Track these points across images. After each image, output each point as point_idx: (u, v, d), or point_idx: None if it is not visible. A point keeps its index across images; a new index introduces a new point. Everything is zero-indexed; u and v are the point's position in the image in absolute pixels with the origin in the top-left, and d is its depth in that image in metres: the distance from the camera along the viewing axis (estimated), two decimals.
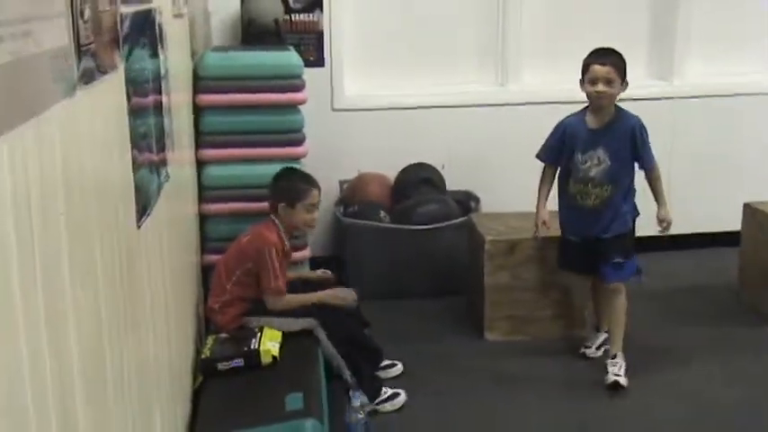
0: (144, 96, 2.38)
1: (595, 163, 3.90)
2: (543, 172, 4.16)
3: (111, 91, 1.95)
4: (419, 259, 4.82)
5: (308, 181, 3.73)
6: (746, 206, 4.82)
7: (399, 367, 3.98)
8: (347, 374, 3.53)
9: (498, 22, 5.39)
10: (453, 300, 4.79)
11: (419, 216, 4.84)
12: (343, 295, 3.71)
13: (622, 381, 3.86)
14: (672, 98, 5.55)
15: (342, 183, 5.19)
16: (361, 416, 3.23)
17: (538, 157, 4.14)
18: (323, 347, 3.53)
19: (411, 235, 4.78)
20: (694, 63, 5.64)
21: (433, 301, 4.77)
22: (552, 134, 4.09)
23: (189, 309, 3.36)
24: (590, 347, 4.21)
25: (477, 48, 5.45)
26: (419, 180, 5.06)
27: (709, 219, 5.60)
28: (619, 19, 5.56)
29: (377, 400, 3.63)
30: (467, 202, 5.17)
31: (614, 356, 3.96)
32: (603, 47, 3.92)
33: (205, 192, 3.91)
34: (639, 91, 5.50)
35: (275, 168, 3.95)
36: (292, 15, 4.97)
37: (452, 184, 5.27)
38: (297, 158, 4.02)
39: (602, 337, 4.22)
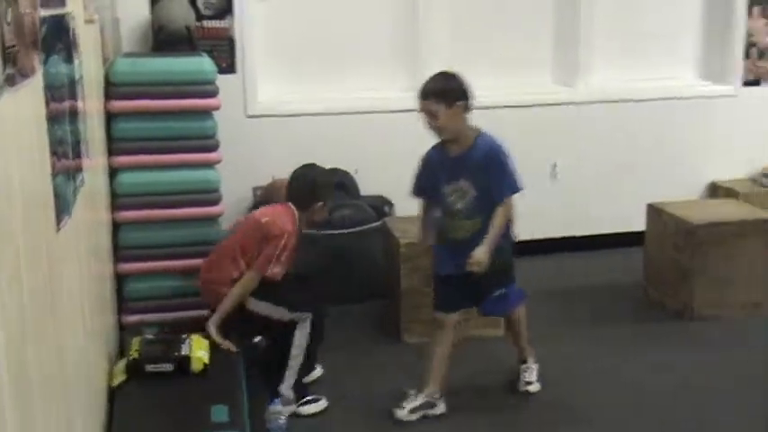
0: (60, 102, 2.34)
1: (459, 195, 3.57)
2: (420, 206, 3.82)
3: (31, 96, 1.92)
4: (334, 264, 4.83)
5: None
6: (650, 207, 5.00)
7: (319, 371, 3.99)
8: (291, 373, 3.60)
9: (409, 28, 5.45)
10: (369, 304, 4.83)
11: (334, 221, 4.86)
12: None
13: (533, 388, 3.86)
14: (577, 103, 5.71)
15: (255, 189, 5.17)
16: (281, 420, 3.25)
17: (411, 191, 3.80)
18: (295, 342, 3.61)
19: (326, 239, 4.78)
20: (598, 70, 5.82)
21: (348, 306, 4.79)
22: (419, 166, 3.74)
23: (105, 313, 3.33)
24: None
25: (389, 53, 5.51)
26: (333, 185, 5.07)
27: (615, 220, 5.78)
28: (525, 25, 5.70)
29: (299, 403, 3.64)
30: (381, 206, 5.21)
31: (524, 361, 3.93)
32: (433, 75, 3.60)
33: (118, 199, 3.84)
34: (546, 97, 5.70)
35: (189, 175, 3.94)
36: (204, 22, 4.94)
37: (366, 189, 5.31)
38: (211, 164, 4.00)
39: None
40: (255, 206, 5.08)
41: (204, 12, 4.94)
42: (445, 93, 3.48)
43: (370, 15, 5.43)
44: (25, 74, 1.78)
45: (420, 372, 3.80)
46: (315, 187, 3.79)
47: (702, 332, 4.51)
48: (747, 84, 5.92)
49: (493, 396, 3.91)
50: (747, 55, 5.88)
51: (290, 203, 3.75)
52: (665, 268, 4.83)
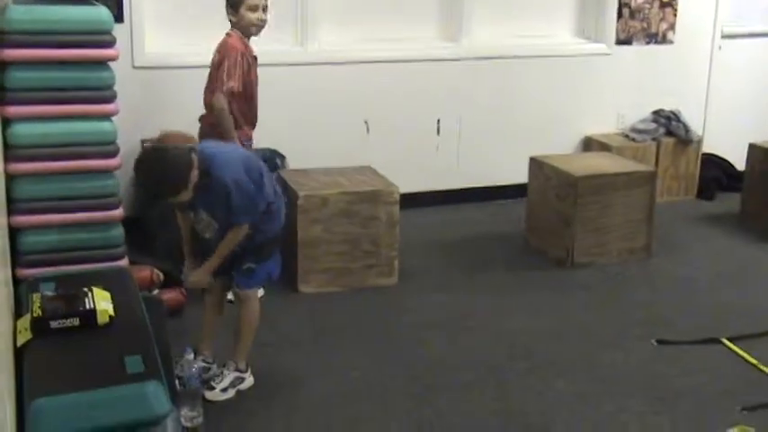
0: None
1: (205, 224, 3.45)
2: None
3: None
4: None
5: None
6: (532, 159, 5.23)
7: None
8: None
9: None
10: None
11: None
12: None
13: (211, 395, 3.49)
14: (460, 59, 5.87)
15: (143, 142, 5.08)
16: (194, 368, 3.28)
17: None
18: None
19: None
20: (481, 27, 5.97)
21: None
22: None
23: (3, 267, 3.24)
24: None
25: (275, 8, 5.46)
26: None
27: (497, 173, 6.00)
28: None
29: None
30: (273, 159, 5.23)
31: (226, 365, 3.59)
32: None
33: (12, 150, 3.72)
34: (431, 52, 5.82)
35: (86, 126, 3.85)
36: None
37: (256, 142, 5.31)
38: (108, 116, 3.90)
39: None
40: None
41: None
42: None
43: None
44: None
45: (315, 323, 3.88)
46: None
47: (580, 277, 4.78)
48: (620, 42, 6.22)
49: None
50: (620, 15, 6.17)
51: (231, 29, 4.28)
52: (546, 218, 5.08)
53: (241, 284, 3.57)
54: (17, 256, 3.85)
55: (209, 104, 4.27)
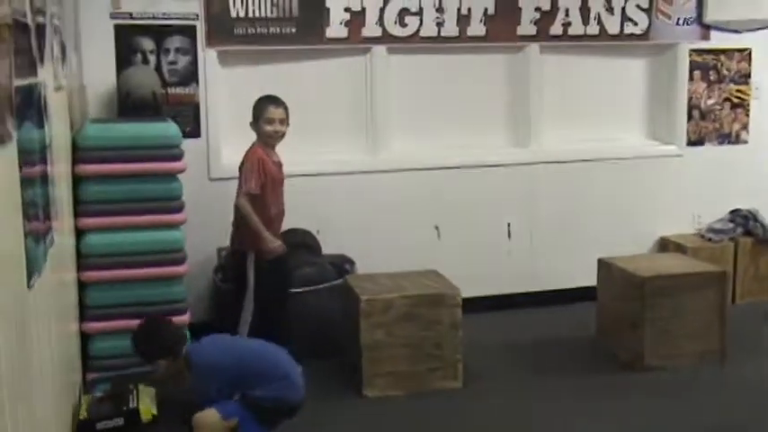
0: (32, 166, 2.48)
1: None
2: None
3: (6, 161, 2.06)
4: (296, 322, 4.92)
5: (268, 99, 4.57)
6: (600, 261, 5.20)
7: None
8: None
9: (367, 95, 5.66)
10: (330, 362, 4.91)
11: (296, 279, 4.98)
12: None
13: None
14: (529, 164, 5.94)
15: (220, 250, 5.29)
16: None
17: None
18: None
19: (290, 297, 4.89)
20: (551, 132, 6.05)
21: (308, 363, 4.87)
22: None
23: (69, 373, 3.41)
24: None
25: (349, 118, 5.70)
26: (295, 245, 5.20)
27: (569, 276, 5.97)
28: (479, 97, 5.93)
29: None
30: (342, 265, 5.35)
31: None
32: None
33: (85, 259, 3.96)
34: (500, 158, 5.92)
35: (155, 235, 4.06)
36: (168, 89, 5.12)
37: (327, 248, 5.46)
38: (176, 225, 4.14)
39: None
40: (220, 266, 5.22)
41: (170, 79, 5.13)
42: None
43: (332, 84, 5.63)
44: (1, 140, 1.93)
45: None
46: None
47: (649, 381, 4.66)
48: (691, 144, 6.20)
49: None
50: (690, 117, 6.17)
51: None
52: (615, 321, 5.01)
53: (218, 409, 3.56)
54: (87, 361, 4.03)
55: (234, 209, 4.56)
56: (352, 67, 5.63)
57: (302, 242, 5.31)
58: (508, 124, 6.04)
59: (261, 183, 4.48)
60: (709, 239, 6.05)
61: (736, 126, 6.26)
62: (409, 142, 5.84)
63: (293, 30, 5.36)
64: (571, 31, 5.86)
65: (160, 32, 5.12)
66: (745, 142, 6.30)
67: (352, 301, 4.68)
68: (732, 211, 6.22)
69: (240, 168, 4.56)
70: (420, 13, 5.60)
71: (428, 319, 4.58)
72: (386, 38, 5.55)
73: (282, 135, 4.63)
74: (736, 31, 6.17)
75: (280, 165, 4.68)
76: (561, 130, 6.09)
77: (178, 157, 4.09)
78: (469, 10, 5.67)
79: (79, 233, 3.97)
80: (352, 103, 5.69)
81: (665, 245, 6.16)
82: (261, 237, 4.44)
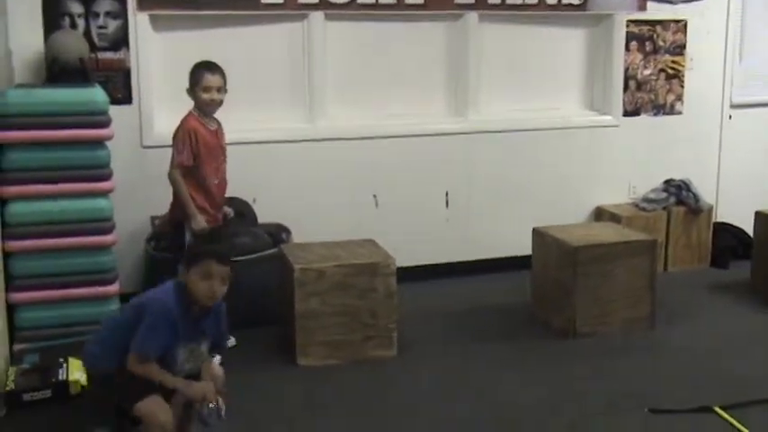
0: None
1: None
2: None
3: None
4: (231, 291, 4.88)
5: (205, 66, 4.45)
6: (535, 230, 5.24)
7: (233, 340, 4.57)
8: None
9: (305, 63, 5.60)
10: (265, 330, 4.91)
11: (232, 248, 4.94)
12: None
13: None
14: (468, 133, 5.95)
15: (153, 218, 5.22)
16: (212, 405, 3.16)
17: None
18: None
19: None
20: (489, 102, 6.06)
21: (244, 332, 4.86)
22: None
23: None
24: None
25: (286, 86, 5.64)
26: None
27: (507, 245, 6.01)
28: (418, 65, 5.91)
29: None
30: (278, 234, 5.32)
31: None
32: None
33: (9, 228, 3.87)
34: (438, 126, 5.92)
35: (82, 204, 3.99)
36: (98, 53, 5.01)
37: (263, 217, 5.42)
38: (103, 193, 4.07)
39: None
40: (154, 235, 5.15)
41: (99, 43, 5.01)
42: None
43: (267, 50, 5.55)
44: None
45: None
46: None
47: (581, 347, 4.73)
48: (627, 114, 6.26)
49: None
50: (626, 87, 6.22)
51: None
52: (549, 289, 5.07)
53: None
54: (14, 332, 3.96)
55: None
56: (288, 33, 5.56)
57: (238, 211, 5.25)
58: (447, 93, 6.02)
59: (193, 154, 4.41)
60: (643, 209, 6.13)
61: (671, 97, 6.33)
62: (347, 111, 5.79)
63: None
64: (509, 0, 5.85)
65: None
66: (680, 113, 6.38)
67: (286, 271, 4.66)
68: (666, 181, 6.31)
69: (174, 138, 4.49)
70: None
71: (363, 287, 4.58)
72: (323, 4, 5.49)
73: (220, 103, 4.54)
74: (671, 3, 6.22)
75: (217, 133, 4.60)
76: (500, 99, 6.10)
77: (105, 124, 4.01)
78: None
79: (3, 202, 3.88)
80: (289, 70, 5.62)
81: (600, 214, 6.23)
82: (188, 212, 4.38)
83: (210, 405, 3.14)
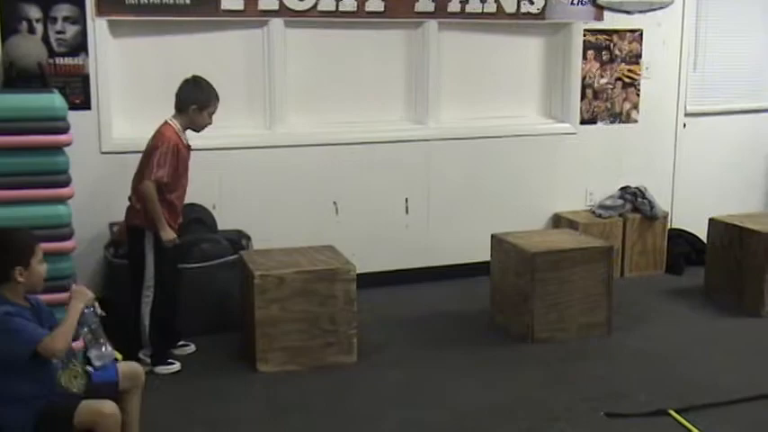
0: None
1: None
2: None
3: None
4: (191, 298, 4.88)
5: (215, 92, 4.51)
6: (494, 237, 5.29)
7: (192, 347, 4.78)
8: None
9: (265, 69, 5.60)
10: (226, 336, 4.91)
11: (191, 255, 4.93)
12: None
13: None
14: (427, 140, 5.99)
15: (112, 225, 5.18)
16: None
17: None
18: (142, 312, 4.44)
19: (184, 274, 4.84)
20: (447, 109, 6.11)
21: (205, 338, 4.86)
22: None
23: None
24: None
25: (246, 92, 5.63)
26: (191, 220, 5.13)
27: (467, 251, 6.05)
28: (378, 72, 5.94)
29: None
30: (238, 240, 5.31)
31: None
32: None
33: None
34: (398, 134, 5.95)
35: (40, 210, 3.95)
36: (56, 59, 4.97)
37: (223, 224, 5.41)
38: (62, 200, 4.02)
39: None
40: (112, 242, 5.12)
41: (57, 49, 4.97)
42: None
43: (226, 57, 5.53)
44: None
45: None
46: (187, 92, 4.49)
47: (539, 353, 4.79)
48: (584, 122, 6.35)
49: None
50: (584, 95, 6.31)
51: (170, 118, 4.47)
52: (508, 295, 5.12)
53: None
54: None
55: (136, 190, 4.44)
56: (248, 40, 5.56)
57: (198, 218, 5.24)
58: (406, 100, 6.07)
59: (172, 171, 4.38)
60: (599, 215, 6.22)
61: (627, 105, 6.43)
62: (307, 117, 5.81)
63: (188, 0, 5.25)
64: (469, 9, 5.91)
65: (47, 0, 4.94)
66: (636, 121, 6.48)
67: (246, 277, 4.66)
68: (622, 188, 6.40)
69: (149, 148, 4.42)
70: None
71: (323, 294, 4.59)
72: (283, 11, 5.49)
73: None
74: (628, 12, 6.33)
75: (189, 147, 4.59)
76: (459, 106, 6.16)
77: (64, 130, 3.97)
78: None
79: None
80: (248, 77, 5.62)
81: (558, 221, 6.31)
82: (159, 226, 4.37)
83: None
